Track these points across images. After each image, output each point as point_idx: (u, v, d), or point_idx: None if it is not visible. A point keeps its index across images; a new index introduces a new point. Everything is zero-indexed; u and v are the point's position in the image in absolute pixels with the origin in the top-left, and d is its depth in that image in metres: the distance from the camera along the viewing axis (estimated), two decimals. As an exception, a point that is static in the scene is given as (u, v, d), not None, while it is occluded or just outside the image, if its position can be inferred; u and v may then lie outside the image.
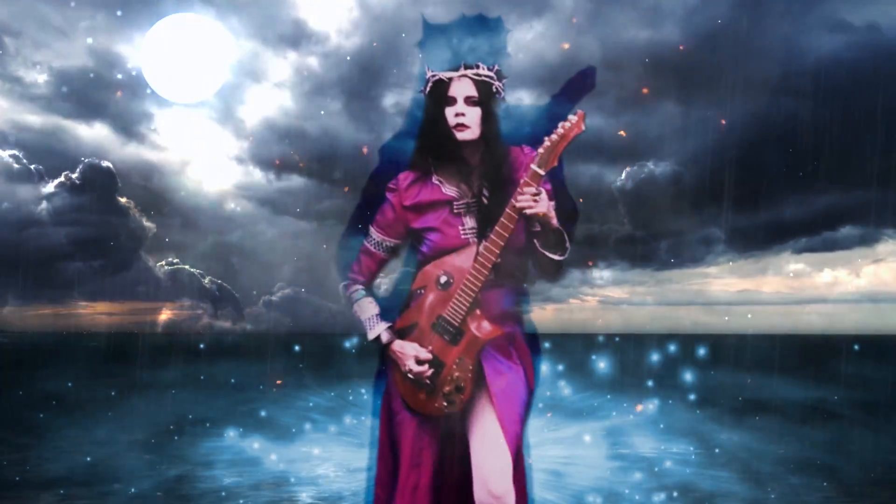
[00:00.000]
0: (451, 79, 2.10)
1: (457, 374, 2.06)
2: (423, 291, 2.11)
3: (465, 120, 2.08)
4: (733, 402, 8.98)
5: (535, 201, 1.96)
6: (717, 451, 5.88)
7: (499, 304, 2.13)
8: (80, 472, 5.03)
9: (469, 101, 2.08)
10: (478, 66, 2.11)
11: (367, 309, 2.22)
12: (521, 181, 1.98)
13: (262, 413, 7.58)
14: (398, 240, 2.23)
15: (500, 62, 2.19)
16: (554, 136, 1.96)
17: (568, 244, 2.10)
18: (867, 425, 7.59)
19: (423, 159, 2.16)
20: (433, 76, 2.13)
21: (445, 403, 2.07)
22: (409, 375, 2.09)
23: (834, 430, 7.19)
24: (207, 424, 6.95)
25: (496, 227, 1.99)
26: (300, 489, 4.57)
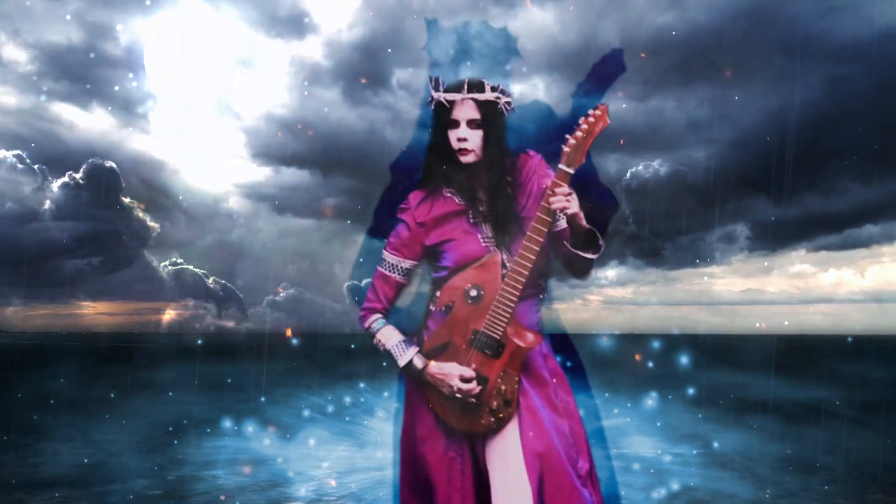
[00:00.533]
0: (453, 102, 2.05)
1: (503, 387, 2.00)
2: (450, 308, 2.03)
3: (468, 144, 2.04)
4: (736, 402, 8.95)
5: (569, 201, 1.92)
6: (717, 450, 5.86)
7: (527, 313, 2.08)
8: (77, 473, 5.02)
9: (472, 124, 2.04)
10: (482, 86, 2.05)
11: (391, 336, 2.12)
12: (551, 182, 1.94)
13: (261, 413, 7.55)
14: (414, 260, 2.16)
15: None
16: (579, 133, 1.92)
17: (601, 241, 2.04)
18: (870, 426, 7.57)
19: (432, 177, 2.12)
20: (436, 98, 2.07)
21: (493, 419, 2.01)
22: (457, 395, 2.00)
23: (836, 431, 7.17)
24: (207, 426, 6.93)
25: (529, 233, 1.95)
26: (300, 489, 4.56)
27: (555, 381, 2.10)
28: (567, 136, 1.92)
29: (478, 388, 1.99)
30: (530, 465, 1.97)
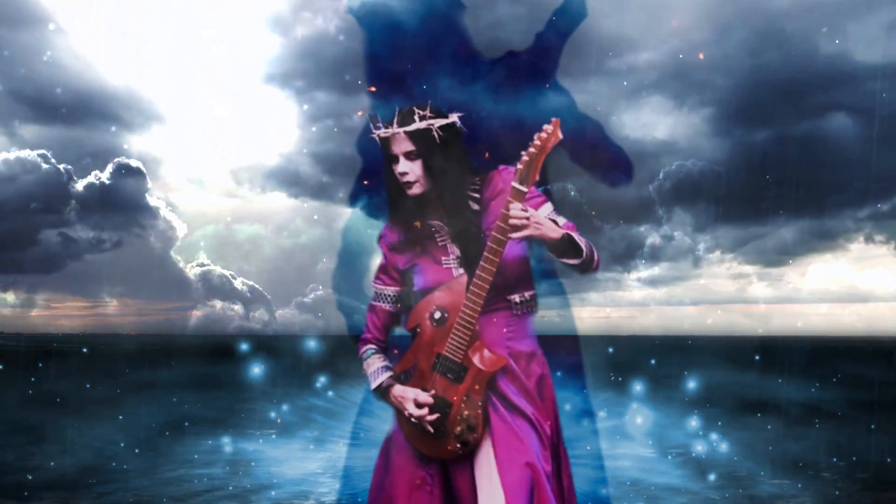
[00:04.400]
0: (387, 137, 2.02)
1: (466, 412, 1.96)
2: (418, 330, 2.03)
3: (409, 178, 2.01)
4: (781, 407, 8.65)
5: (525, 221, 1.86)
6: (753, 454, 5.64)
7: (503, 328, 2.04)
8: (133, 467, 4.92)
9: (409, 156, 2.00)
10: (411, 116, 1.99)
11: (373, 363, 2.16)
12: (506, 202, 1.88)
13: (271, 414, 7.61)
14: (396, 286, 2.17)
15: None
16: (532, 150, 1.87)
17: (582, 243, 1.96)
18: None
19: (395, 209, 2.11)
20: (374, 134, 2.05)
21: (459, 445, 1.97)
22: (412, 420, 2.00)
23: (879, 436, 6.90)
24: (218, 427, 6.98)
25: (485, 254, 1.91)
26: (300, 489, 4.54)
27: (537, 382, 2.06)
28: (522, 152, 1.87)
29: (431, 416, 1.97)
30: (517, 483, 1.92)
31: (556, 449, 2.06)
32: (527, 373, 2.05)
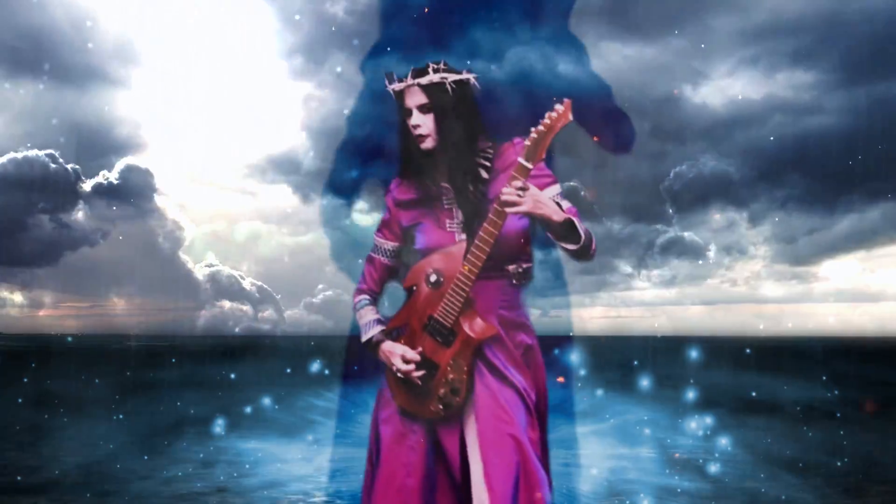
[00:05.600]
0: (402, 92, 2.08)
1: (451, 376, 2.00)
2: (414, 289, 2.06)
3: (422, 130, 2.06)
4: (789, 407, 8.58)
5: (520, 196, 1.88)
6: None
7: (497, 296, 2.06)
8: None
9: (422, 109, 2.06)
10: (425, 70, 2.06)
11: (366, 315, 2.20)
12: (509, 176, 1.91)
13: (266, 414, 7.61)
14: (396, 242, 2.20)
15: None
16: (541, 128, 1.89)
17: (581, 230, 1.97)
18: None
19: (408, 163, 2.14)
20: (390, 90, 2.11)
21: (441, 406, 2.01)
22: (399, 376, 2.04)
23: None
24: (217, 425, 6.92)
25: (484, 224, 1.93)
26: (300, 489, 4.52)
27: (525, 351, 2.09)
28: (531, 129, 1.89)
29: (418, 372, 2.01)
30: (498, 455, 1.96)
31: (543, 417, 2.10)
32: (515, 342, 2.07)
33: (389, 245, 2.20)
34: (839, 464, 5.34)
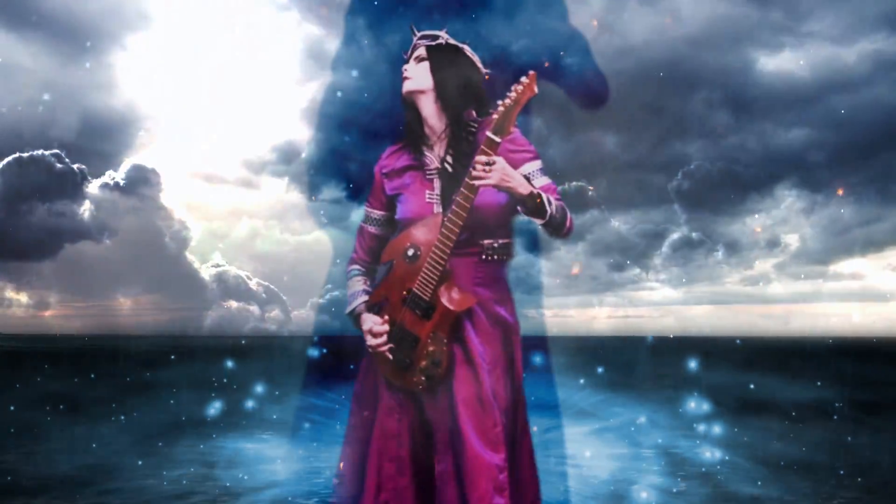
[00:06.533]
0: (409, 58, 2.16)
1: (431, 348, 2.02)
2: (393, 264, 2.08)
3: (407, 74, 2.13)
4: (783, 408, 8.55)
5: (487, 171, 1.90)
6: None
7: (471, 271, 2.08)
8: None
9: (418, 59, 2.14)
10: (435, 36, 2.15)
11: (354, 285, 2.23)
12: (479, 149, 1.93)
13: (265, 415, 7.61)
14: (381, 210, 2.24)
15: None
16: (507, 101, 1.91)
17: (551, 206, 1.98)
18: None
19: (407, 131, 2.19)
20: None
21: (423, 378, 2.04)
22: (369, 348, 2.09)
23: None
24: (218, 425, 6.99)
25: (457, 198, 1.95)
26: (300, 489, 4.52)
27: (503, 328, 2.10)
28: (497, 102, 1.92)
29: (386, 346, 2.04)
30: (475, 417, 1.99)
31: (517, 392, 2.12)
32: (492, 318, 2.09)
33: (376, 214, 2.24)
34: (841, 465, 5.33)
